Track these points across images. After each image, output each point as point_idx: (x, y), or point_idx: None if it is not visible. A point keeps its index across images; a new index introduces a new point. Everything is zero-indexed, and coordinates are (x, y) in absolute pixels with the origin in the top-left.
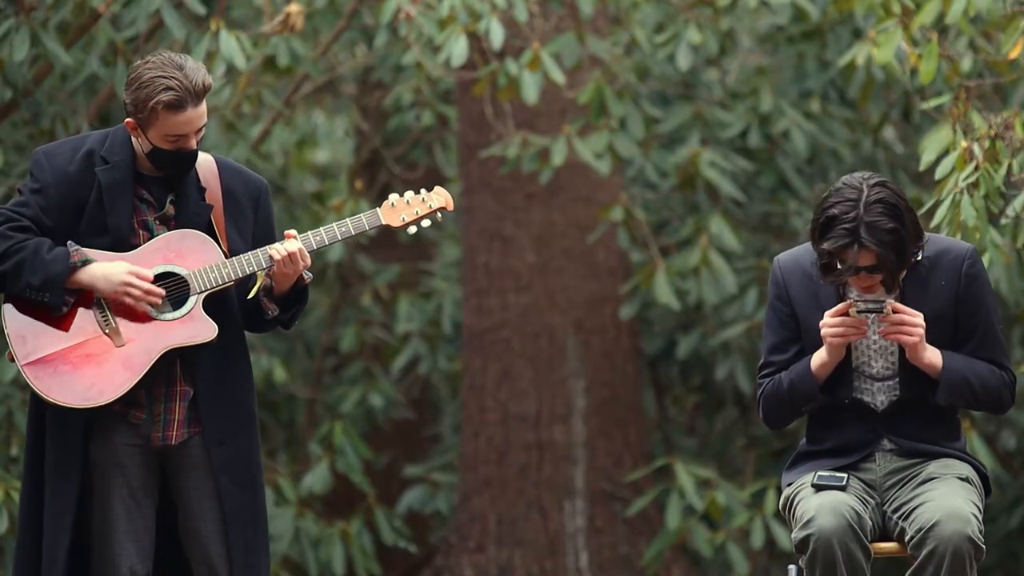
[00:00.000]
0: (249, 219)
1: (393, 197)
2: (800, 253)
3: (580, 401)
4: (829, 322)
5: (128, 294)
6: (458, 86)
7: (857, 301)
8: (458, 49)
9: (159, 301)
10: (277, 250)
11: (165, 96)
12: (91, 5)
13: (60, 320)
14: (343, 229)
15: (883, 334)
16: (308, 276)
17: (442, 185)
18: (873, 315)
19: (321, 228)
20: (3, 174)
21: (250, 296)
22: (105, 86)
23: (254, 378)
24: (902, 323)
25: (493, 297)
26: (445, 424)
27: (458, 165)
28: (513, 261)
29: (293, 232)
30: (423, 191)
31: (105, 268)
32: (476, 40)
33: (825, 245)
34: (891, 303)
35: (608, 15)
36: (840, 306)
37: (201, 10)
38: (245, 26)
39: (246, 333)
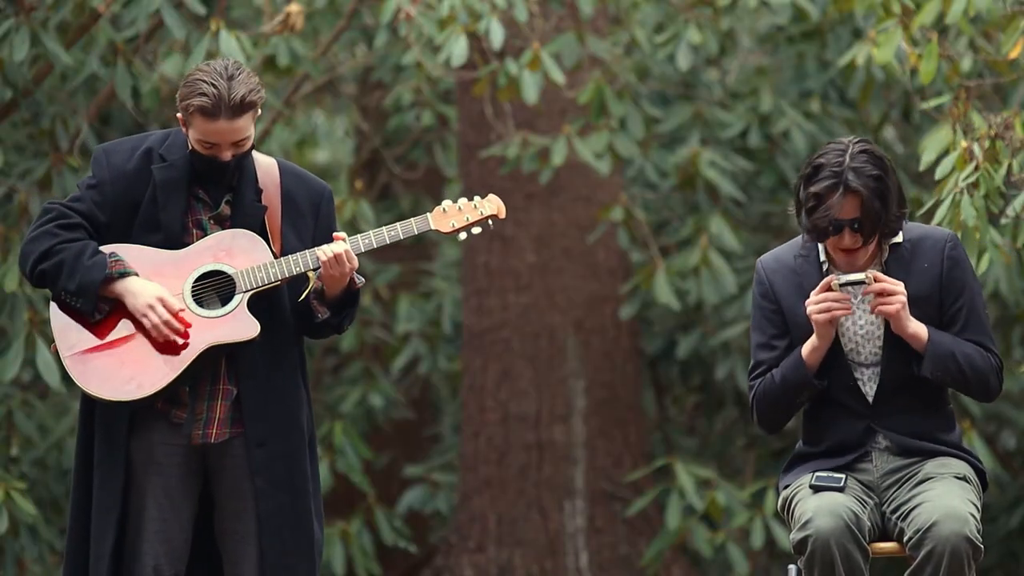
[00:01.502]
0: (309, 224)
1: (445, 203)
2: (782, 251)
3: (580, 401)
4: (814, 299)
5: (148, 317)
6: (458, 86)
7: (839, 275)
8: (458, 49)
9: (172, 336)
10: (324, 251)
11: (197, 101)
12: (91, 5)
13: (105, 315)
14: (392, 232)
15: (871, 307)
16: (360, 280)
17: (442, 185)
18: (857, 287)
19: (371, 231)
20: (3, 174)
21: (300, 299)
22: (105, 86)
23: None
24: (883, 292)
25: (493, 297)
26: (445, 424)
27: (458, 165)
28: (513, 261)
29: (342, 234)
30: (476, 198)
31: (137, 285)
32: (476, 40)
33: (812, 188)
34: (872, 273)
35: (608, 15)
36: (822, 283)
37: (201, 10)
38: (245, 26)
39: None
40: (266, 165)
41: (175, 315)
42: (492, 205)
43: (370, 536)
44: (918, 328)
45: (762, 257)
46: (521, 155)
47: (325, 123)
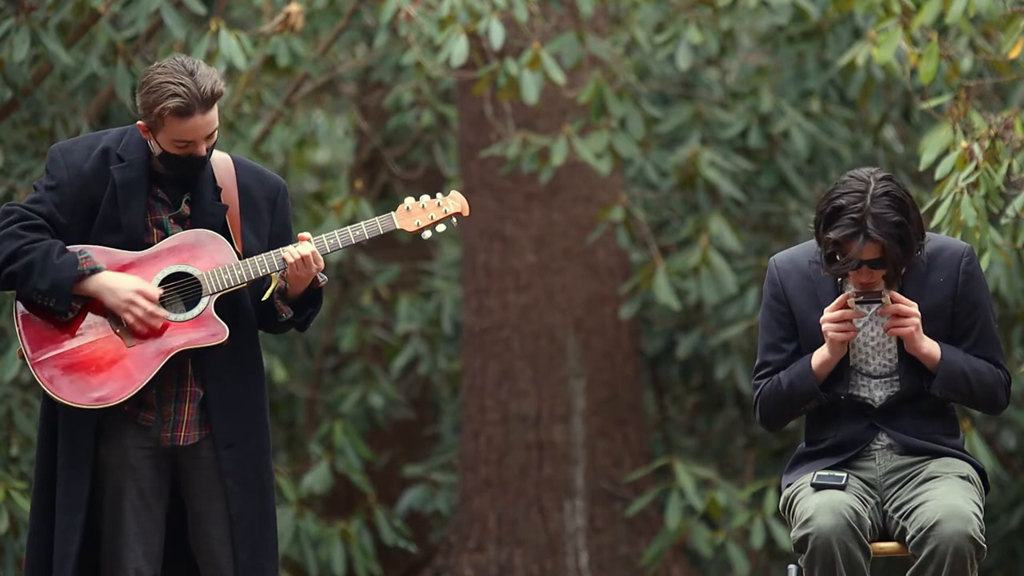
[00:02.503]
0: (266, 219)
1: (408, 201)
2: (797, 253)
3: (580, 401)
4: (830, 316)
5: (130, 311)
6: (458, 86)
7: (856, 292)
8: (458, 49)
9: (157, 326)
10: (291, 253)
11: (171, 103)
12: (91, 5)
13: (72, 319)
14: (357, 233)
15: (886, 328)
16: (323, 279)
17: (442, 185)
18: (873, 306)
19: (335, 231)
20: (3, 174)
21: (264, 298)
22: (105, 86)
23: None
24: (898, 313)
25: (493, 297)
26: (445, 424)
27: (458, 165)
28: (513, 261)
29: (307, 235)
30: (439, 195)
31: (113, 280)
32: (476, 40)
33: (831, 235)
34: (889, 292)
35: (608, 15)
36: (839, 299)
37: (201, 10)
38: (245, 26)
39: (260, 335)
40: (221, 162)
41: (155, 303)
42: (456, 203)
43: (370, 536)
44: (931, 348)
45: (776, 256)
46: (521, 155)
47: (325, 123)
